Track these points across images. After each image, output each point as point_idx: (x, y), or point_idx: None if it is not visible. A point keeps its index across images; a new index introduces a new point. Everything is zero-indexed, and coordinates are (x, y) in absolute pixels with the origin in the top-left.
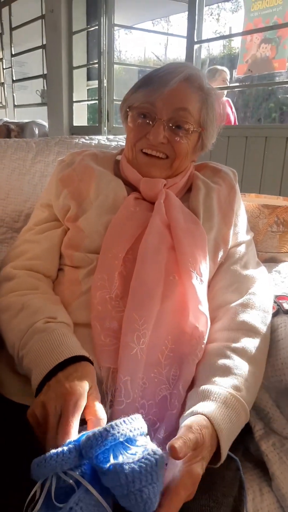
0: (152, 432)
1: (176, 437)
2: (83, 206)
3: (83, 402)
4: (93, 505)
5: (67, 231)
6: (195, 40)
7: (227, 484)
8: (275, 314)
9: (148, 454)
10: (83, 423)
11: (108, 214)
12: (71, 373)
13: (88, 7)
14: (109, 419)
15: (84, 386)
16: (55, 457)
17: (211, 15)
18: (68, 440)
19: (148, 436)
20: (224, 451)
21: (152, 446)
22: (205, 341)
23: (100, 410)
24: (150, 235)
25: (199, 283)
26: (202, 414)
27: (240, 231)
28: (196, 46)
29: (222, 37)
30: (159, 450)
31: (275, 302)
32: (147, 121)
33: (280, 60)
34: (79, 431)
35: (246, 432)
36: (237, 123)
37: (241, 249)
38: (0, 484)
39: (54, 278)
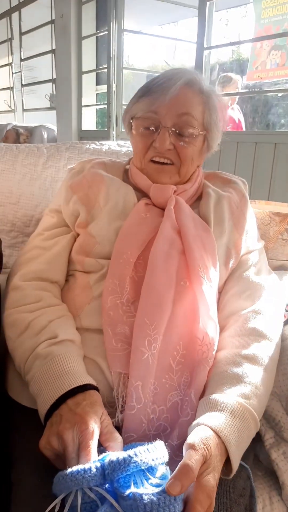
0: (163, 438)
1: (180, 466)
2: (93, 212)
3: (98, 430)
4: None
5: (76, 237)
6: (205, 46)
7: (239, 492)
8: (286, 322)
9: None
10: (99, 445)
11: (118, 220)
12: (79, 402)
13: (97, 12)
14: (121, 424)
15: (98, 413)
16: (82, 472)
17: (220, 20)
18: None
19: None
20: (235, 462)
21: None
22: (215, 347)
23: (115, 434)
24: (160, 241)
25: (209, 288)
26: (207, 426)
27: (252, 239)
28: (205, 52)
29: (232, 43)
30: None
31: (286, 310)
32: (152, 129)
33: None
34: (98, 453)
35: (256, 440)
36: (244, 129)
37: (253, 256)
38: (8, 489)
39: (62, 283)
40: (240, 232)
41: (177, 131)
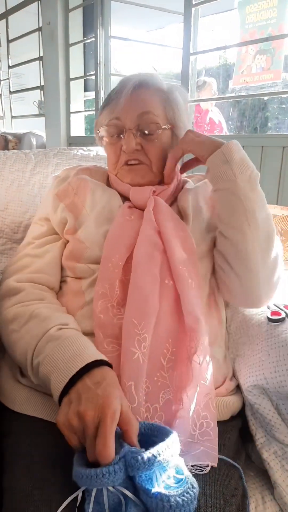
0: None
1: None
2: (80, 218)
3: (118, 414)
4: None
5: (66, 243)
6: (191, 51)
7: (230, 493)
8: (281, 320)
9: (189, 488)
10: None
11: (106, 224)
12: (99, 381)
13: (84, 19)
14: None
15: (118, 396)
16: (107, 475)
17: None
18: (116, 457)
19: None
20: None
21: (191, 478)
22: (203, 343)
23: (133, 418)
24: (141, 243)
25: (191, 285)
26: None
27: None
28: (192, 58)
29: (218, 49)
30: (196, 483)
31: (282, 309)
32: (118, 138)
33: (275, 71)
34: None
35: (248, 440)
36: (225, 130)
37: None
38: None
39: (57, 290)
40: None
41: (141, 134)
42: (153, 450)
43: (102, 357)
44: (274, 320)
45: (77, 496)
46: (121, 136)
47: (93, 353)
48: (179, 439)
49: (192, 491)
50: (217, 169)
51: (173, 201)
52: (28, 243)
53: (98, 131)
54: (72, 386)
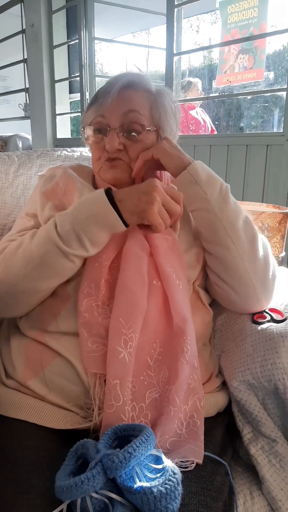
0: None
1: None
2: None
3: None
4: None
5: None
6: (174, 52)
7: (216, 489)
8: (266, 322)
9: (170, 475)
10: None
11: None
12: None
13: (68, 21)
14: (100, 423)
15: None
16: (86, 481)
17: (190, 27)
18: (92, 462)
19: (159, 450)
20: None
21: (171, 465)
22: (190, 343)
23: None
24: (130, 243)
25: (179, 286)
26: None
27: None
28: (175, 58)
29: (200, 49)
30: (177, 469)
31: (266, 312)
32: (101, 137)
33: (258, 70)
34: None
35: (235, 436)
36: (210, 128)
37: None
38: None
39: None
40: None
41: (125, 131)
42: (127, 448)
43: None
44: (259, 323)
45: (62, 510)
46: (104, 134)
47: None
48: (165, 438)
49: (174, 477)
50: (187, 190)
51: None
52: (12, 234)
53: (83, 129)
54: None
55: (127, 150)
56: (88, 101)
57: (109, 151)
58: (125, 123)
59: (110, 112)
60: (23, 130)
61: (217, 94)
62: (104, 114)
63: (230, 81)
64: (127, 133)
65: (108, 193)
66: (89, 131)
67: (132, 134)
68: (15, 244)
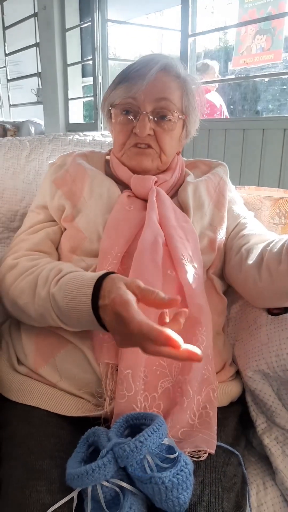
0: None
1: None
2: (78, 206)
3: (132, 296)
4: (141, 504)
5: (63, 231)
6: (190, 33)
7: (229, 479)
8: (282, 314)
9: (182, 465)
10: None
11: (104, 213)
12: (106, 303)
13: (80, 3)
14: (112, 411)
15: (120, 289)
16: (97, 469)
17: (205, 8)
18: (103, 450)
19: (171, 440)
20: None
21: (183, 456)
22: (205, 333)
23: (150, 289)
24: (147, 233)
25: (194, 276)
26: None
27: (239, 212)
28: (190, 40)
29: (217, 29)
30: (189, 459)
31: None
32: (130, 117)
33: (276, 51)
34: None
35: (249, 426)
36: (225, 113)
37: (248, 220)
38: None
39: (55, 257)
40: (221, 209)
41: (156, 117)
42: (139, 437)
43: (93, 277)
44: (274, 314)
45: (73, 497)
46: (133, 117)
47: (89, 279)
48: (176, 428)
49: (186, 468)
50: None
51: (174, 194)
52: (24, 230)
53: (109, 108)
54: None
55: (157, 137)
56: (101, 85)
57: (140, 135)
58: (157, 109)
59: (144, 96)
60: (36, 115)
61: (233, 76)
62: (136, 96)
63: (247, 63)
64: (158, 120)
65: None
66: (116, 112)
67: (163, 121)
68: (26, 269)
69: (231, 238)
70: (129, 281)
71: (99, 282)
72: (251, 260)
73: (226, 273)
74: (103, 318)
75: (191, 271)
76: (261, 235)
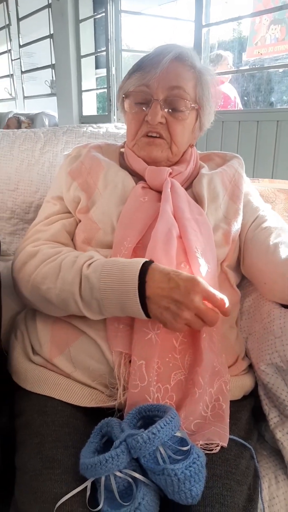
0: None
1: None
2: (93, 198)
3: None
4: (153, 495)
5: (78, 223)
6: (203, 23)
7: (241, 473)
8: None
9: (195, 458)
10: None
11: (119, 205)
12: (158, 279)
13: None
14: (125, 402)
15: (183, 278)
16: (110, 460)
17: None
18: (116, 441)
19: (184, 432)
20: None
21: (196, 449)
22: (218, 327)
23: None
24: (161, 225)
25: (207, 269)
26: None
27: (258, 205)
28: (204, 30)
29: (231, 20)
30: (201, 452)
31: None
32: (143, 108)
33: None
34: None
35: (261, 420)
36: (240, 106)
37: (267, 212)
38: (13, 473)
39: (73, 248)
40: (237, 202)
41: (168, 106)
42: (152, 429)
43: (139, 261)
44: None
45: (86, 487)
46: (146, 105)
47: (134, 263)
48: (189, 420)
49: (198, 460)
50: None
51: (188, 186)
52: (40, 221)
53: (123, 96)
54: (144, 298)
55: (168, 126)
56: (115, 77)
57: (151, 123)
58: (169, 97)
59: (157, 83)
60: (50, 107)
61: (247, 67)
62: (149, 84)
63: (261, 54)
64: (170, 108)
65: (142, 273)
66: (129, 100)
67: (175, 110)
68: (49, 255)
69: (251, 230)
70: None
71: (145, 266)
72: (284, 254)
73: (246, 265)
74: (161, 297)
75: (204, 265)
76: (284, 229)
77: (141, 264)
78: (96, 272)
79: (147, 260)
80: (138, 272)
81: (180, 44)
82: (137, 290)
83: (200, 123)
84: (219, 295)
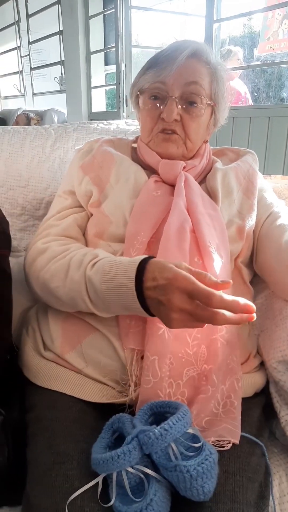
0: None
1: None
2: (105, 192)
3: (188, 275)
4: (165, 491)
5: (90, 217)
6: (214, 19)
7: (253, 470)
8: None
9: (207, 454)
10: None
11: (132, 199)
12: (155, 276)
13: None
14: (136, 398)
15: (173, 268)
16: (122, 455)
17: None
18: (128, 437)
19: (196, 429)
20: None
21: (208, 446)
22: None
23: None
24: (173, 219)
25: (221, 264)
26: None
27: (272, 201)
28: (215, 26)
29: (242, 15)
30: (213, 449)
31: None
32: (158, 104)
33: None
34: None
35: (272, 417)
36: (250, 102)
37: (281, 208)
38: (24, 467)
39: (83, 243)
40: (250, 197)
41: (184, 103)
42: (164, 425)
43: (137, 260)
44: None
45: (98, 482)
46: (161, 102)
47: (131, 263)
48: (201, 416)
49: (210, 457)
50: None
51: (202, 180)
52: (52, 215)
53: (138, 93)
54: (143, 300)
55: (183, 123)
56: (124, 73)
57: (166, 120)
58: (185, 93)
59: (173, 80)
60: (59, 104)
61: (258, 62)
62: (165, 80)
63: (273, 49)
64: (186, 105)
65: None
66: (144, 97)
67: (191, 106)
68: (58, 253)
69: (265, 226)
70: (177, 263)
71: (141, 265)
72: None
73: (258, 262)
74: (152, 298)
75: (218, 260)
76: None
77: (137, 264)
78: (97, 273)
79: (146, 256)
80: (135, 272)
81: (196, 40)
82: (135, 292)
83: (215, 119)
84: (205, 290)
